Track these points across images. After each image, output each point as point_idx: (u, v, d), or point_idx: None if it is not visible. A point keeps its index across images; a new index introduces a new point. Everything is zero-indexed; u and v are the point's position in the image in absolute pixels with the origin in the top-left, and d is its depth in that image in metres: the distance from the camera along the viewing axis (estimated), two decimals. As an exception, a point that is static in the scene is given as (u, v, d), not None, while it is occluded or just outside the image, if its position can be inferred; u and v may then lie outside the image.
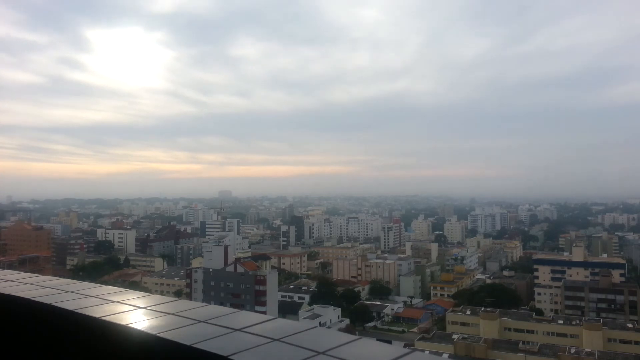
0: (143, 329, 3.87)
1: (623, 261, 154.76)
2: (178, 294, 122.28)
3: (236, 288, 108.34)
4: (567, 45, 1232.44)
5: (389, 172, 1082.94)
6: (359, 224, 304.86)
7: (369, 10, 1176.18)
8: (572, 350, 72.61)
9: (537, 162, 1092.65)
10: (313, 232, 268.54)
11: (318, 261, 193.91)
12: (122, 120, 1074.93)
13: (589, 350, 74.29)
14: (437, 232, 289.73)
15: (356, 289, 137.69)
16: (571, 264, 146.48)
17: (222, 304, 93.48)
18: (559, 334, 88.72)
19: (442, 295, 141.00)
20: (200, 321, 4.02)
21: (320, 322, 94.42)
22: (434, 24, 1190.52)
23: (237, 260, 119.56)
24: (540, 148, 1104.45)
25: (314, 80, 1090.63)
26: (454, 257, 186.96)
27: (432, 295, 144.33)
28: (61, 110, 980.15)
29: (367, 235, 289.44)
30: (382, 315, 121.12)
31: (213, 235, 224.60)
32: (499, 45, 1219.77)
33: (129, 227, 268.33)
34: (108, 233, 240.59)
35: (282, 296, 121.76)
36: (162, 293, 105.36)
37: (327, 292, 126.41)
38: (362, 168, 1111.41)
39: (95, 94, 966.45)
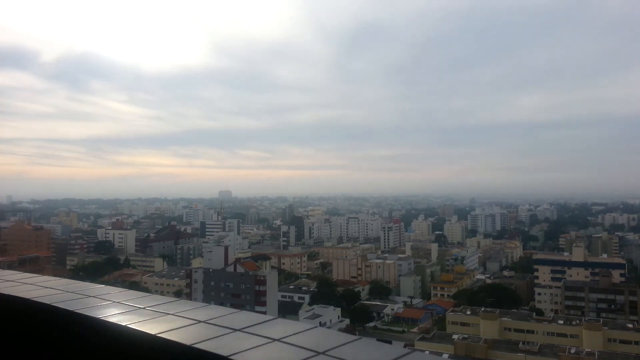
0: (143, 329, 3.86)
1: (623, 261, 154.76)
2: (178, 294, 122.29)
3: (236, 288, 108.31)
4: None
5: (359, 176, 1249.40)
6: (359, 224, 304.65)
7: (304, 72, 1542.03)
8: (572, 351, 72.55)
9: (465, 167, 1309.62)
10: (313, 232, 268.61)
11: (318, 261, 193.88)
12: (116, 132, 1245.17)
13: (589, 350, 74.20)
14: (437, 232, 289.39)
15: (356, 289, 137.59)
16: (571, 264, 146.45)
17: (222, 304, 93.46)
18: (559, 334, 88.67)
19: (442, 295, 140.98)
20: (200, 321, 4.02)
21: (320, 322, 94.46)
22: (353, 75, 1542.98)
23: (237, 260, 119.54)
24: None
25: (268, 108, 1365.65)
26: (454, 257, 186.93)
27: (432, 295, 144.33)
28: (65, 128, 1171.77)
29: (367, 235, 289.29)
30: (382, 315, 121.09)
31: (213, 235, 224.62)
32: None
33: (129, 227, 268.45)
34: (108, 233, 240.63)
35: (282, 296, 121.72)
36: (162, 293, 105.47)
37: (327, 292, 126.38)
38: (343, 172, 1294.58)
39: (94, 119, 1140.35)
